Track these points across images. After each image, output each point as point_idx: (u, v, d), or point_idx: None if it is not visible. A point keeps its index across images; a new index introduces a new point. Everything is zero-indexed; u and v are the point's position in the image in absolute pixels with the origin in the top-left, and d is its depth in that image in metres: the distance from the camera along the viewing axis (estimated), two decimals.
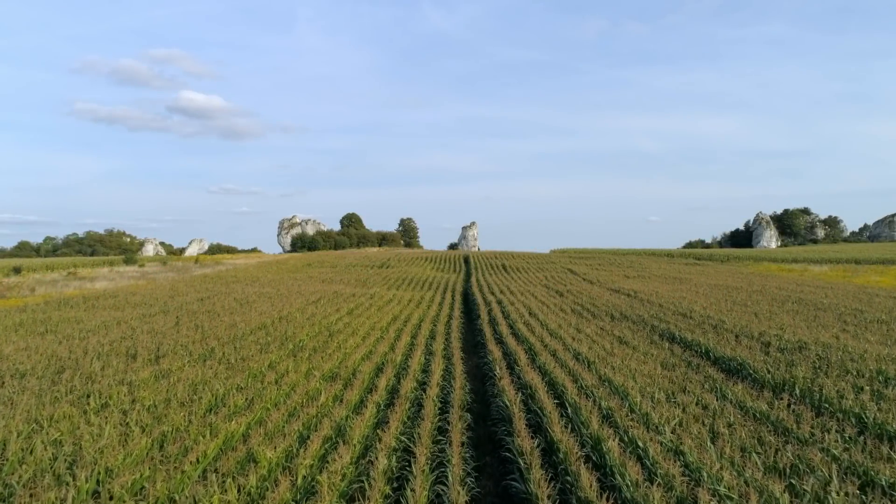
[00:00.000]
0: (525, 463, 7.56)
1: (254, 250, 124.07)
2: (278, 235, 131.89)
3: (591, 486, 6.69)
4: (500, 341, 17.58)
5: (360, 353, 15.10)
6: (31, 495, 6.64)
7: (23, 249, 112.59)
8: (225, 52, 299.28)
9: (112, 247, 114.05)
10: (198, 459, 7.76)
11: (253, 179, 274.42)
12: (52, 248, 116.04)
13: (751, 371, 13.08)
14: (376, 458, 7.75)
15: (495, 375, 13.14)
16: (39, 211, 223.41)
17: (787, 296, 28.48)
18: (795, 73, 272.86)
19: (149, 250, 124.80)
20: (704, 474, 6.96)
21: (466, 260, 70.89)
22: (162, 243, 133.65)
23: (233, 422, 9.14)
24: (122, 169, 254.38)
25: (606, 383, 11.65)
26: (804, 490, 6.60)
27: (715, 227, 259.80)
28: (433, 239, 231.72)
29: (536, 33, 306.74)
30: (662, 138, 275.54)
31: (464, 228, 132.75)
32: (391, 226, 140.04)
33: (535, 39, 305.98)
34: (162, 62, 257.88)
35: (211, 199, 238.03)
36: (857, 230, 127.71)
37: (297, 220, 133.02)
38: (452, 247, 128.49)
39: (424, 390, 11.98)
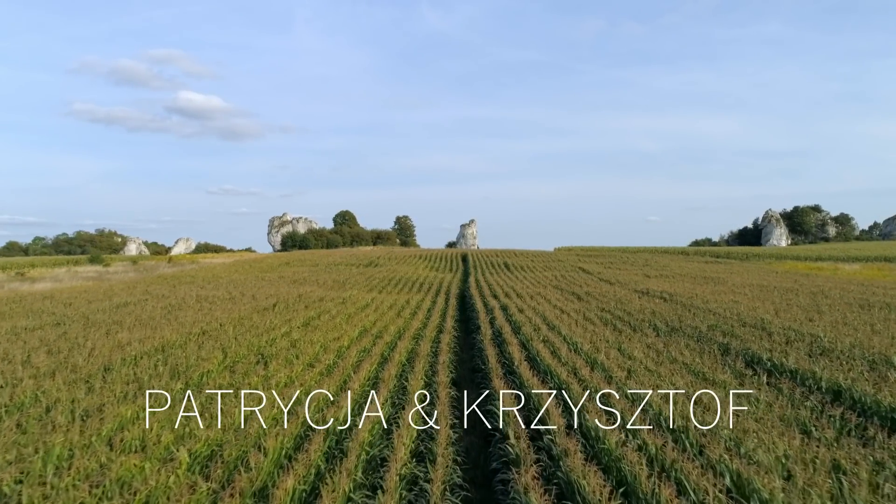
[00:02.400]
0: None
1: (247, 250, 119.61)
2: (268, 234, 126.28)
3: None
4: (510, 371, 11.88)
5: (289, 396, 9.38)
6: None
7: (11, 250, 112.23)
8: (224, 52, 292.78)
9: (102, 247, 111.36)
10: None
11: (252, 180, 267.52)
12: (42, 248, 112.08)
13: None
14: None
15: (507, 446, 7.52)
16: (38, 212, 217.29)
17: (860, 299, 22.88)
18: (793, 73, 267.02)
19: (132, 249, 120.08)
20: None
21: (464, 258, 65.00)
22: (152, 242, 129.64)
23: None
24: (120, 170, 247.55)
25: (725, 482, 5.92)
26: None
27: (714, 227, 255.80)
28: (432, 239, 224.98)
29: (534, 33, 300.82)
30: (661, 138, 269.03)
31: (462, 226, 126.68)
32: (389, 226, 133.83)
33: (534, 40, 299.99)
34: (161, 62, 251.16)
35: (210, 199, 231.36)
36: (866, 228, 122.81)
37: (288, 219, 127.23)
38: (451, 245, 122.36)
39: (380, 485, 6.36)
